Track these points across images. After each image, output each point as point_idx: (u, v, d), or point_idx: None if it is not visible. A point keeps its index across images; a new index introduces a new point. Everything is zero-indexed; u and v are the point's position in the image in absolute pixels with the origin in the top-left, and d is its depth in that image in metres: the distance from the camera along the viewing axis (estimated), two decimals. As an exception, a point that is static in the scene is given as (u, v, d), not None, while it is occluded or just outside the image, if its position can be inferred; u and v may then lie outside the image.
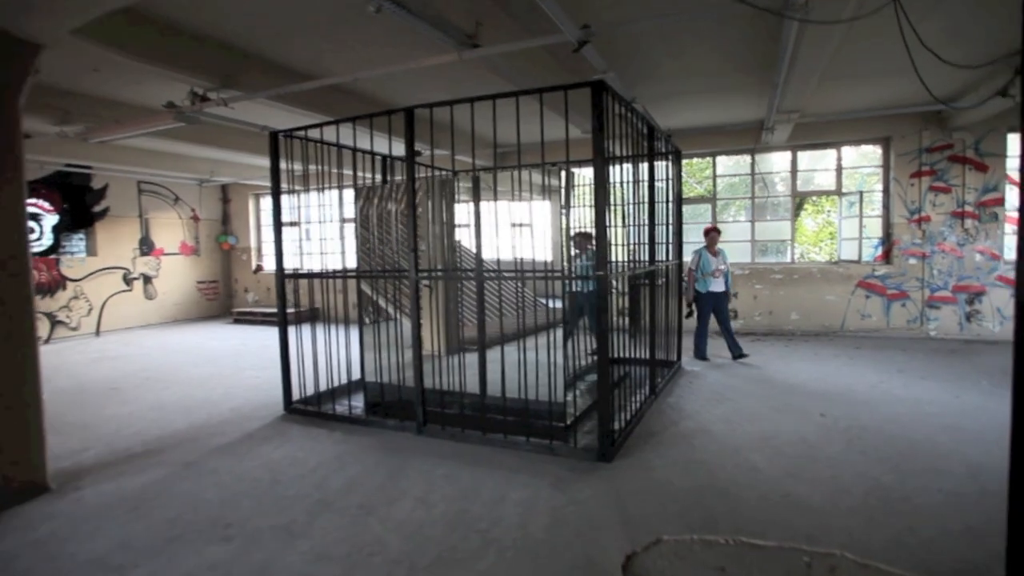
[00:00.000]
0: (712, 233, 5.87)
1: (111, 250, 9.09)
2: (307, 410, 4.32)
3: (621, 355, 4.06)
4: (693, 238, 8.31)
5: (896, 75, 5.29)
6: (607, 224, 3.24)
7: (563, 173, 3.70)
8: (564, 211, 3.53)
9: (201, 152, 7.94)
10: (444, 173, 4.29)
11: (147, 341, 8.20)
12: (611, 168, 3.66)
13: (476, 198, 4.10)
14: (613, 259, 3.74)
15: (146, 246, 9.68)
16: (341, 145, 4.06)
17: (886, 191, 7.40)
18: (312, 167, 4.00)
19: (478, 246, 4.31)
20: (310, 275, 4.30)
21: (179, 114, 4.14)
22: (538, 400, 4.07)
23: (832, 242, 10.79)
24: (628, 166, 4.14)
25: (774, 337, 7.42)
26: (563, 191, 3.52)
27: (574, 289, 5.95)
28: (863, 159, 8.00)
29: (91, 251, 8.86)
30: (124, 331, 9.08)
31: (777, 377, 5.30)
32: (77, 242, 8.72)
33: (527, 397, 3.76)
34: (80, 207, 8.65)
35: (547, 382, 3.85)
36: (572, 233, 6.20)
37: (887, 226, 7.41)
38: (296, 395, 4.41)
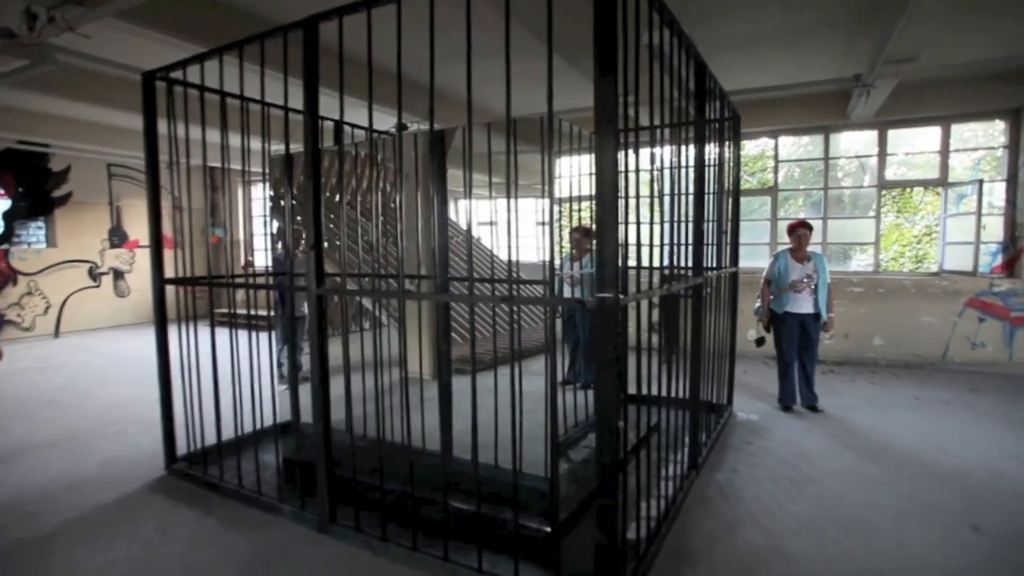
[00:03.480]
0: (800, 230, 4.25)
1: (74, 241, 8.18)
2: (192, 473, 3.05)
3: (649, 391, 2.61)
4: (746, 238, 6.69)
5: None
6: (621, 221, 1.80)
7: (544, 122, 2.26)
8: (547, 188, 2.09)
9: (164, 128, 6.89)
10: (383, 135, 2.94)
11: (106, 346, 7.22)
12: (635, 139, 2.21)
13: (410, 171, 2.73)
14: (630, 265, 2.28)
15: (117, 237, 8.75)
16: (250, 99, 2.75)
17: (1012, 180, 5.58)
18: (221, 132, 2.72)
19: (441, 247, 2.94)
20: (192, 280, 3.03)
21: (18, 46, 2.95)
22: (518, 472, 2.72)
23: (920, 246, 8.86)
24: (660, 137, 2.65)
25: (852, 368, 5.73)
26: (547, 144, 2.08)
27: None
28: (970, 141, 6.19)
29: (50, 242, 7.97)
30: (89, 332, 8.17)
31: (874, 438, 3.70)
32: (35, 231, 7.84)
33: (498, 462, 2.43)
34: (38, 191, 7.76)
35: (534, 441, 2.52)
36: (571, 228, 4.78)
37: (1011, 227, 5.60)
38: (193, 443, 3.08)
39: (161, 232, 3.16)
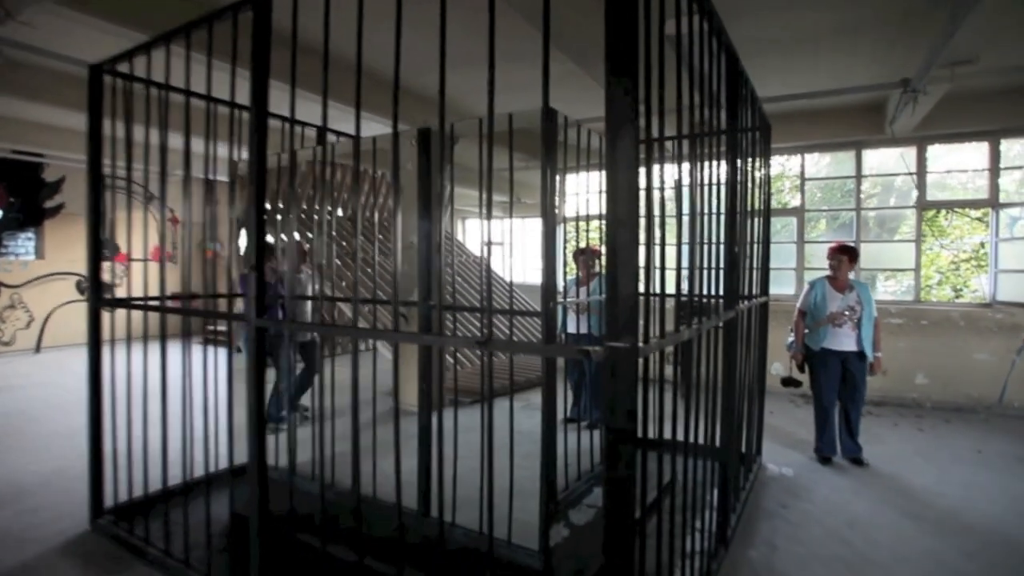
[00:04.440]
0: (839, 255, 3.72)
1: (63, 253, 7.90)
2: (117, 532, 2.55)
3: (663, 433, 2.07)
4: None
5: None
6: (641, 241, 1.32)
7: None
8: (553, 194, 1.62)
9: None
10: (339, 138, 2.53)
11: (85, 364, 6.82)
12: (659, 149, 1.75)
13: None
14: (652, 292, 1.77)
15: (108, 250, 8.45)
16: (196, 94, 2.36)
17: (1072, 203, 5.01)
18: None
19: (423, 270, 2.48)
20: (131, 302, 2.61)
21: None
22: (508, 542, 2.26)
23: (959, 273, 8.23)
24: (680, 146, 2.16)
25: (892, 410, 5.11)
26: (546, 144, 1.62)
27: (568, 331, 3.98)
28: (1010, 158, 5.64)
29: (39, 253, 7.70)
30: (72, 348, 7.81)
31: (938, 504, 3.09)
32: (25, 242, 7.58)
33: (483, 527, 1.93)
34: (30, 202, 7.52)
35: (529, 497, 2.21)
36: (575, 250, 4.30)
37: (1072, 254, 5.01)
38: (130, 490, 2.59)
39: (100, 246, 2.76)
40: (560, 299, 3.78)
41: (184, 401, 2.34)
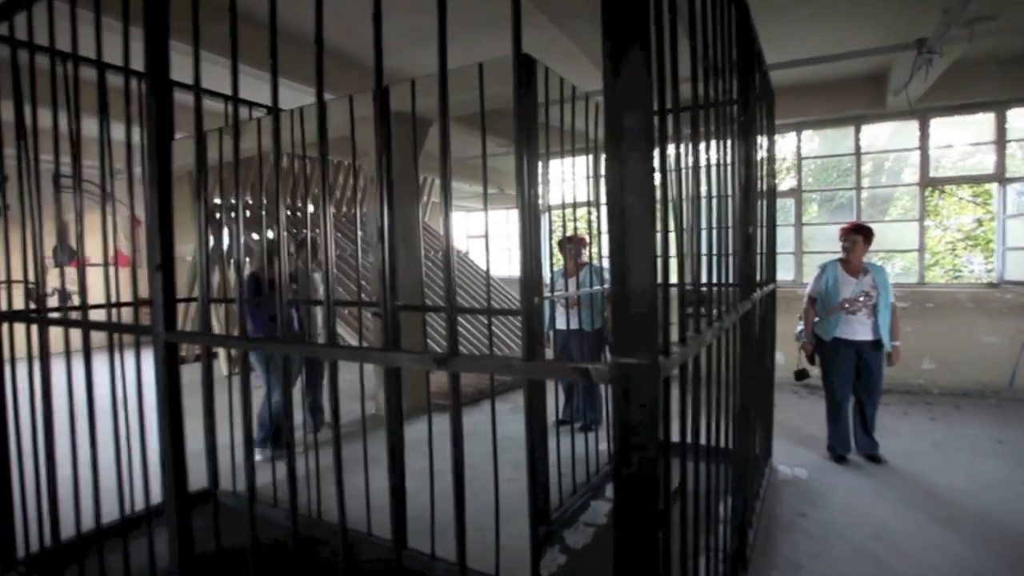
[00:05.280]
0: (852, 236, 3.41)
1: (10, 259, 7.32)
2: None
3: (668, 434, 1.72)
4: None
5: None
6: (658, 229, 0.95)
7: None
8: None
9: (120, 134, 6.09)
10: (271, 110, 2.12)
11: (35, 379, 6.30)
12: (675, 121, 1.38)
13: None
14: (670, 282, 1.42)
15: (64, 255, 7.88)
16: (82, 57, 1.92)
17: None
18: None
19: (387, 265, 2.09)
20: (36, 315, 2.20)
21: None
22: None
23: (953, 255, 8.05)
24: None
25: (900, 397, 4.87)
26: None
27: (557, 327, 3.64)
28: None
29: (-17, 260, 7.11)
30: (26, 362, 7.26)
31: (970, 506, 2.81)
32: (-33, 249, 6.98)
33: (471, 562, 1.58)
34: (-29, 205, 6.92)
35: (517, 518, 2.01)
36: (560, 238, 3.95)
37: (1082, 229, 4.79)
38: (53, 533, 2.17)
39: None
40: (546, 293, 3.44)
41: (89, 428, 1.93)
